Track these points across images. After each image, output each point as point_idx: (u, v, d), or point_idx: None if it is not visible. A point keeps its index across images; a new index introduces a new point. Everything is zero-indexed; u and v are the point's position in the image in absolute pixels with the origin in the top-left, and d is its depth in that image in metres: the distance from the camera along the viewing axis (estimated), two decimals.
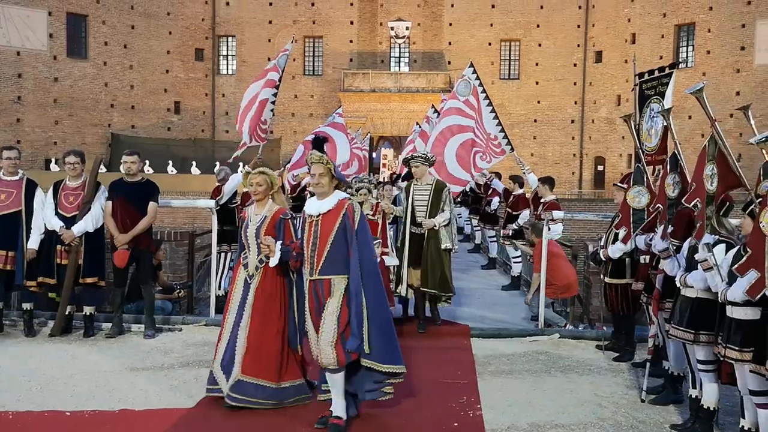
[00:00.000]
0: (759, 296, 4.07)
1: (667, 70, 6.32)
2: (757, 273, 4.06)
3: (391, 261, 7.97)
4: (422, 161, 7.91)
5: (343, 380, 4.76)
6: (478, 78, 9.70)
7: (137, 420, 5.04)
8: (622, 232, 6.60)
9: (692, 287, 4.82)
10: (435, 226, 7.67)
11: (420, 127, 17.23)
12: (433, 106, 12.65)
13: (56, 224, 7.26)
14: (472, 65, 9.91)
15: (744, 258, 4.18)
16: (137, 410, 5.22)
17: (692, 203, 5.08)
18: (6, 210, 7.27)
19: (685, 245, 5.10)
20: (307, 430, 4.88)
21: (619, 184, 7.28)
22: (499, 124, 9.70)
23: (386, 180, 20.29)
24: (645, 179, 6.43)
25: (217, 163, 19.10)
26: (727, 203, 4.77)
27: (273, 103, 9.91)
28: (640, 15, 36.20)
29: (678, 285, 4.99)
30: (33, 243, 7.32)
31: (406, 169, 10.39)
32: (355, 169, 13.43)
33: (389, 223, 9.64)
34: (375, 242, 6.52)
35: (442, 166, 9.15)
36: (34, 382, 5.82)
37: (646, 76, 6.59)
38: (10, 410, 5.15)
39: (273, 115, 10.08)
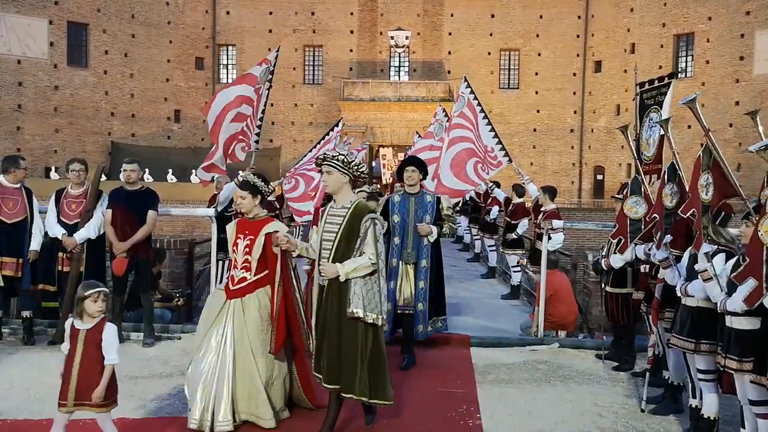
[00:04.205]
0: (757, 305, 4.07)
1: (666, 80, 6.34)
2: (755, 281, 4.06)
3: None
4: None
5: None
6: (472, 92, 9.70)
7: (135, 428, 5.03)
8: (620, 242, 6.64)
9: (693, 297, 4.82)
10: (340, 276, 4.65)
11: (420, 136, 17.19)
12: (444, 111, 12.48)
13: (58, 231, 7.32)
14: (466, 80, 9.92)
15: (742, 266, 4.19)
16: (135, 418, 5.21)
17: (688, 214, 5.10)
18: (15, 218, 7.33)
19: (686, 255, 5.10)
20: None
21: (617, 196, 7.32)
22: (496, 135, 9.68)
23: (388, 182, 20.01)
24: (642, 189, 6.46)
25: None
26: (723, 213, 4.78)
27: (263, 111, 9.07)
28: (640, 25, 36.33)
29: (679, 295, 4.99)
30: (35, 245, 7.36)
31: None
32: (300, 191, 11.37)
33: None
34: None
35: (437, 178, 9.11)
36: (33, 390, 5.81)
37: (647, 86, 6.61)
38: (8, 418, 5.15)
39: (261, 122, 9.14)
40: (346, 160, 4.81)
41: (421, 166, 7.04)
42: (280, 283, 5.06)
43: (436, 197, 7.02)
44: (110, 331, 4.23)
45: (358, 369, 4.64)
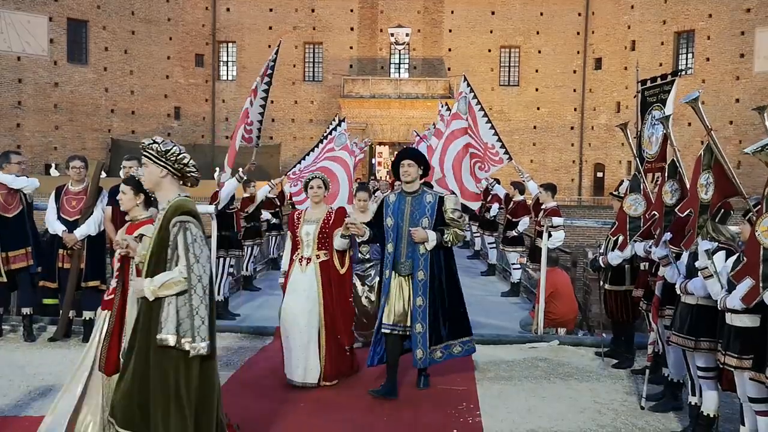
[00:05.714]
0: (754, 303, 4.08)
1: (669, 78, 6.34)
2: (752, 280, 4.07)
3: None
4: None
5: None
6: (472, 91, 9.68)
7: None
8: (619, 240, 6.66)
9: (692, 294, 4.82)
10: (148, 295, 3.69)
11: (418, 135, 17.15)
12: (447, 107, 12.43)
13: (58, 228, 7.33)
14: (465, 79, 9.87)
15: (740, 265, 4.20)
16: None
17: (685, 213, 5.10)
18: (14, 211, 7.43)
19: (685, 253, 5.10)
20: None
21: (614, 193, 7.34)
22: (496, 134, 9.66)
23: (385, 179, 20.06)
24: (642, 187, 6.47)
25: (217, 168, 19.12)
26: (723, 210, 4.78)
27: (263, 107, 9.30)
28: (640, 22, 36.29)
29: (678, 292, 4.99)
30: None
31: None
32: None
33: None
34: None
35: (461, 186, 9.08)
36: (33, 387, 5.82)
37: (649, 83, 6.61)
38: (8, 415, 5.15)
39: (261, 117, 9.35)
40: (161, 148, 3.86)
41: (420, 159, 5.93)
42: (118, 295, 4.37)
43: (438, 197, 5.90)
44: None
45: (169, 410, 3.58)
